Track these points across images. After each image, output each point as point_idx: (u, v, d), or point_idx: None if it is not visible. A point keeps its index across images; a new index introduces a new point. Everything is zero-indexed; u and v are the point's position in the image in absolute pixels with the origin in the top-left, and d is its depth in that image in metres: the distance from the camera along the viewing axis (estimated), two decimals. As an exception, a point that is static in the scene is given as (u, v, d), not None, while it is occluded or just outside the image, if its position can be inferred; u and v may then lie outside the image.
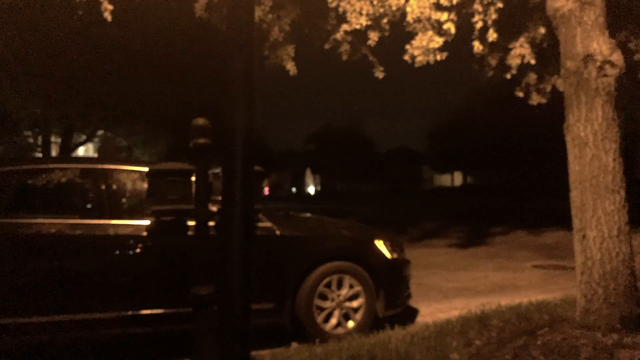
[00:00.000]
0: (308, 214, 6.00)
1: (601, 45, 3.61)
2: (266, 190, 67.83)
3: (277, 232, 4.15)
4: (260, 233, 4.02)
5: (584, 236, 3.54)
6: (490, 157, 35.09)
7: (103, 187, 3.89)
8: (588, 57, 3.60)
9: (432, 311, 5.25)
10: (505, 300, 5.26)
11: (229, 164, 1.76)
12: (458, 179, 52.28)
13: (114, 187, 3.95)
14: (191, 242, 2.77)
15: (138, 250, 3.72)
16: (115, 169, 4.03)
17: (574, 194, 3.62)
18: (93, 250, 3.70)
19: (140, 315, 3.71)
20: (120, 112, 14.38)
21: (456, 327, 3.95)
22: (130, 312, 3.68)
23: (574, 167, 3.61)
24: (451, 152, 40.83)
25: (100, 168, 4.00)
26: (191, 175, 2.74)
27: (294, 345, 3.98)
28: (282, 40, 6.19)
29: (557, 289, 6.06)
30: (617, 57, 3.62)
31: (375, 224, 6.04)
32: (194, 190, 2.79)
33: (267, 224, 4.14)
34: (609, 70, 3.58)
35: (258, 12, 5.86)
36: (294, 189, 70.81)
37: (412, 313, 5.18)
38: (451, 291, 6.11)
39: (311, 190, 69.68)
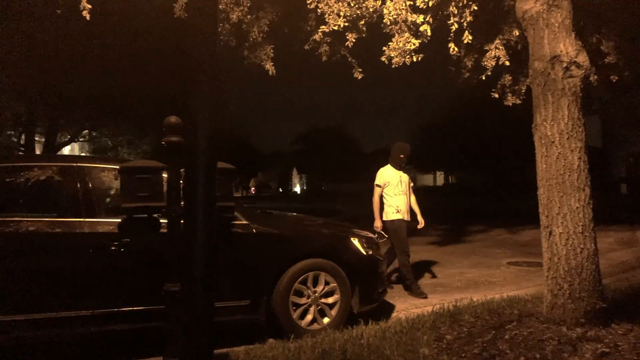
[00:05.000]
0: (286, 212, 6.04)
1: (567, 47, 3.72)
2: (253, 190, 67.84)
3: (254, 230, 4.18)
4: (236, 230, 4.07)
5: (550, 233, 3.64)
6: (471, 157, 35.50)
7: (79, 184, 3.89)
8: (555, 58, 3.71)
9: (407, 307, 5.33)
10: (479, 296, 5.37)
11: (192, 160, 1.80)
12: (440, 178, 52.76)
13: (90, 185, 3.95)
14: (164, 240, 2.80)
15: (113, 248, 3.73)
16: (92, 167, 4.03)
17: (541, 192, 3.73)
18: (69, 248, 3.70)
19: (117, 313, 3.73)
20: (105, 111, 14.28)
21: (428, 322, 4.03)
22: (106, 310, 3.70)
23: (541, 165, 3.72)
24: (433, 152, 41.18)
25: (76, 166, 3.99)
26: (162, 173, 2.77)
27: (270, 341, 4.02)
28: (261, 40, 6.23)
29: (530, 285, 6.19)
30: (583, 59, 3.73)
31: (359, 223, 6.12)
32: (165, 187, 2.82)
33: (244, 221, 4.18)
34: (575, 71, 3.69)
35: (237, 13, 5.91)
36: (280, 189, 70.82)
37: (388, 309, 5.26)
38: (427, 287, 6.19)
39: (297, 189, 69.73)
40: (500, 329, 3.67)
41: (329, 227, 4.93)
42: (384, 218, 6.10)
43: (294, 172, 69.48)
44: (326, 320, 4.34)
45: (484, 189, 33.63)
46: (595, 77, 7.45)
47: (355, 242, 4.61)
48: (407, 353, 3.34)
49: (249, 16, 5.97)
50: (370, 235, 5.00)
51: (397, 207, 6.03)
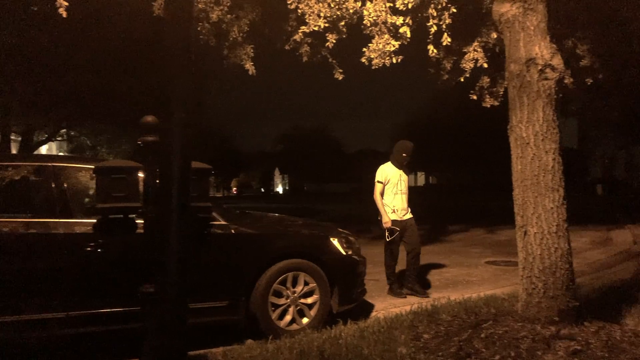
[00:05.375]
0: (265, 213, 6.03)
1: (542, 50, 3.78)
2: (234, 190, 67.55)
3: (232, 230, 4.17)
4: (214, 231, 4.05)
5: (525, 233, 3.70)
6: (451, 158, 35.88)
7: (54, 185, 3.84)
8: (530, 61, 3.76)
9: (386, 306, 5.36)
10: (458, 295, 5.43)
11: (165, 160, 1.78)
12: (421, 179, 53.23)
13: (66, 185, 3.89)
14: (140, 240, 2.77)
15: (88, 249, 3.68)
16: (67, 167, 3.97)
17: (516, 192, 3.78)
18: (44, 249, 3.64)
19: (92, 315, 3.68)
20: (83, 110, 14.05)
21: (406, 322, 4.06)
22: (81, 312, 3.64)
23: (517, 166, 3.77)
24: (414, 153, 41.46)
25: (51, 166, 3.93)
26: (138, 173, 2.74)
27: (249, 342, 4.01)
28: (241, 40, 6.21)
29: (507, 284, 6.28)
30: (558, 61, 3.79)
31: (340, 223, 6.15)
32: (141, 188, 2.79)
33: (222, 222, 4.17)
34: (549, 73, 3.75)
35: (217, 12, 5.87)
36: (262, 189, 70.65)
37: (367, 308, 5.29)
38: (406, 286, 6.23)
39: (280, 189, 69.63)
40: (477, 327, 3.71)
41: (309, 227, 4.95)
42: (380, 217, 6.05)
43: (276, 172, 69.33)
44: (305, 320, 4.35)
45: (464, 189, 34.07)
46: (571, 79, 7.59)
47: (335, 242, 4.63)
48: (384, 352, 3.36)
49: (229, 15, 5.94)
50: (350, 235, 5.02)
51: (394, 207, 5.97)
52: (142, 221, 2.76)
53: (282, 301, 4.26)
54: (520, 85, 3.78)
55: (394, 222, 5.95)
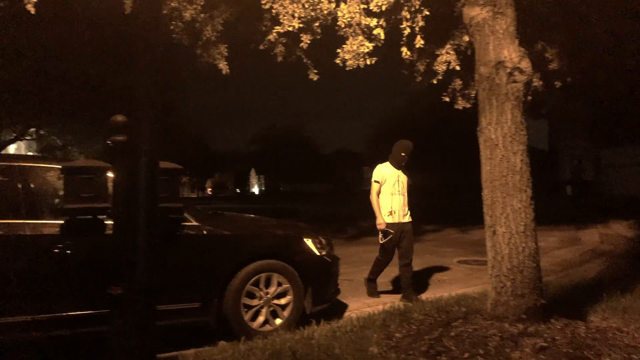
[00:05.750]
0: (238, 213, 6.01)
1: (511, 53, 3.85)
2: (209, 191, 67.00)
3: (204, 231, 4.14)
4: (186, 232, 4.01)
5: (494, 232, 3.77)
6: (426, 159, 36.30)
7: (20, 185, 3.75)
8: (499, 64, 3.83)
9: (360, 306, 5.39)
10: (430, 295, 5.51)
11: (133, 160, 1.76)
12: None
13: (33, 185, 3.81)
14: (108, 242, 2.73)
15: (56, 250, 3.60)
16: (34, 167, 3.89)
17: (485, 193, 3.85)
18: (10, 251, 3.55)
19: (60, 318, 3.60)
20: (52, 109, 13.73)
21: (378, 321, 4.10)
22: (49, 315, 3.57)
23: (486, 167, 3.84)
24: (390, 154, 41.84)
25: (17, 166, 3.84)
26: (106, 173, 2.70)
27: (221, 343, 3.98)
28: (215, 39, 6.17)
29: (478, 283, 6.38)
30: (526, 65, 3.87)
31: (315, 223, 6.14)
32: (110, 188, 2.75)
33: (194, 222, 4.13)
34: (518, 76, 3.82)
35: (190, 11, 5.82)
36: (238, 189, 70.25)
37: (341, 308, 5.31)
38: (380, 286, 6.28)
39: (255, 190, 69.33)
40: (447, 326, 3.76)
41: (282, 228, 4.94)
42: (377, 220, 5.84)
43: (252, 172, 69.01)
44: (278, 321, 4.35)
45: (439, 189, 34.53)
46: (540, 82, 7.77)
47: (309, 242, 4.63)
48: (356, 352, 3.38)
49: (202, 15, 5.90)
50: (324, 235, 5.03)
51: (392, 208, 5.77)
52: (112, 222, 2.74)
53: (255, 302, 4.25)
54: (489, 88, 3.85)
55: (390, 225, 5.76)
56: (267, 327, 4.27)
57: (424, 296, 5.34)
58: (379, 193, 5.86)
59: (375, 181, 5.89)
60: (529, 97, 8.01)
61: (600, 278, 6.44)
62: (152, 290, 1.84)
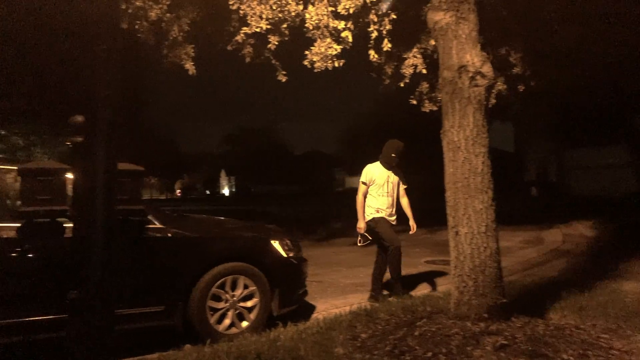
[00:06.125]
0: (205, 215, 5.95)
1: (474, 58, 3.94)
2: (178, 192, 66.05)
3: (169, 234, 4.09)
4: (150, 235, 3.95)
5: (456, 233, 3.84)
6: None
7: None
8: (462, 68, 3.91)
9: (328, 307, 5.41)
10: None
11: (89, 161, 1.73)
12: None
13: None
14: (66, 245, 2.67)
15: (13, 254, 3.49)
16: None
17: (448, 194, 3.92)
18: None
19: (17, 324, 3.50)
20: (12, 108, 13.30)
21: (345, 322, 4.12)
22: (6, 321, 3.46)
23: (449, 169, 3.91)
24: (361, 155, 42.14)
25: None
26: (65, 175, 2.64)
27: (186, 347, 3.93)
28: (181, 39, 6.10)
29: (444, 282, 6.49)
30: (487, 69, 3.96)
31: (286, 225, 6.12)
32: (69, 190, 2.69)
33: (159, 225, 4.07)
34: (480, 80, 3.91)
35: (155, 11, 5.74)
36: (207, 191, 69.50)
37: (309, 310, 5.31)
38: (348, 287, 6.33)
39: (226, 191, 68.71)
40: (412, 326, 3.81)
41: (249, 230, 4.92)
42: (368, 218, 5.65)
43: (222, 174, 68.38)
44: (245, 324, 4.32)
45: (408, 191, 34.88)
46: (505, 86, 7.95)
47: (276, 244, 4.62)
48: (321, 353, 3.40)
49: (168, 14, 5.82)
50: (292, 237, 5.03)
51: (378, 208, 5.61)
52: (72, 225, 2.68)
53: (221, 305, 4.21)
54: (452, 92, 3.92)
55: (378, 218, 5.56)
56: (234, 330, 4.24)
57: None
58: (365, 194, 5.69)
59: (363, 182, 5.72)
60: (494, 101, 8.24)
61: (561, 277, 6.63)
62: (110, 295, 1.80)
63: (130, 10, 5.74)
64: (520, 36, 7.68)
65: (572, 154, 29.09)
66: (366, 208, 5.66)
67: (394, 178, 5.79)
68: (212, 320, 4.16)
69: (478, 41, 4.03)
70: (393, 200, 5.73)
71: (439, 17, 4.04)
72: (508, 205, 20.19)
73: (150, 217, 3.95)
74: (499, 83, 7.83)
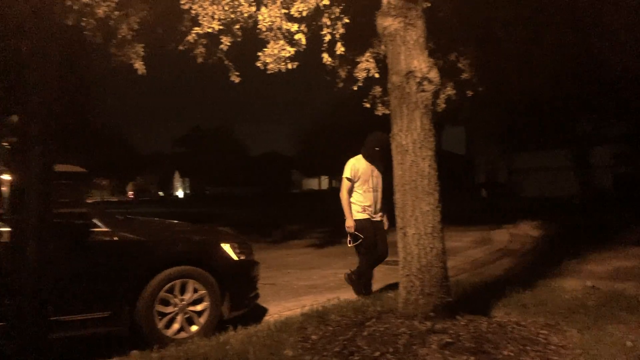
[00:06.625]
0: (154, 218, 5.83)
1: (421, 63, 4.04)
2: (131, 194, 64.21)
3: (115, 237, 3.98)
4: (95, 238, 3.84)
5: (404, 234, 3.94)
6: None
7: None
8: (410, 74, 4.01)
9: (280, 310, 5.41)
10: (350, 295, 5.61)
11: (23, 163, 1.67)
12: (325, 182, 54.43)
13: None
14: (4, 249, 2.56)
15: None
16: None
17: (397, 196, 4.01)
18: None
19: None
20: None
21: (296, 324, 4.14)
22: None
23: (397, 171, 4.00)
24: (318, 157, 42.34)
25: None
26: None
27: (133, 353, 3.85)
28: (130, 38, 5.94)
29: (396, 282, 6.60)
30: (434, 75, 4.07)
31: (240, 227, 6.06)
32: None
33: (104, 228, 3.96)
34: (427, 86, 4.02)
35: (103, 8, 5.57)
36: (161, 193, 67.99)
37: (261, 313, 5.30)
38: (302, 289, 6.35)
39: (180, 193, 67.42)
40: (361, 326, 3.87)
41: (199, 232, 4.86)
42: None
43: (177, 175, 67.05)
44: (195, 328, 4.27)
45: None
46: (454, 91, 8.18)
47: (227, 247, 4.58)
48: (270, 356, 3.40)
49: (116, 12, 5.66)
50: (243, 239, 5.00)
51: (364, 206, 5.36)
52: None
53: (169, 309, 4.14)
54: (401, 96, 4.02)
55: (364, 221, 5.35)
56: (183, 335, 4.18)
57: (343, 297, 5.43)
58: (350, 191, 5.40)
59: (347, 178, 5.39)
60: (444, 105, 8.45)
61: (506, 275, 6.88)
62: (44, 301, 1.74)
63: (76, 7, 5.55)
64: (469, 43, 7.93)
65: (519, 157, 30.25)
66: (352, 206, 5.39)
67: (378, 173, 5.50)
68: (161, 325, 4.08)
69: (426, 47, 4.14)
70: (378, 195, 5.47)
71: (387, 23, 4.13)
72: (459, 206, 20.80)
73: (95, 220, 3.84)
74: (448, 88, 8.05)
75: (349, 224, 5.34)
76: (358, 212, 5.39)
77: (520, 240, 11.14)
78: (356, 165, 5.43)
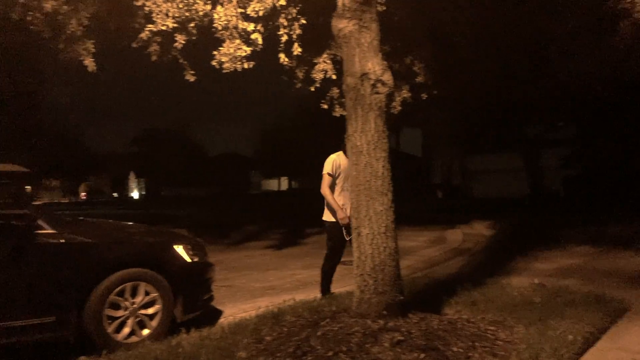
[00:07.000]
0: (104, 220, 5.67)
1: (375, 66, 4.09)
2: (83, 195, 62.07)
3: (62, 240, 3.84)
4: (40, 240, 3.70)
5: (359, 234, 3.98)
6: (311, 163, 37.17)
7: None
8: (364, 76, 4.06)
9: (236, 311, 5.35)
10: (306, 296, 5.62)
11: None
12: (284, 183, 54.32)
13: None
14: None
15: None
16: None
17: (352, 196, 4.05)
18: None
19: None
20: None
21: (250, 326, 4.11)
22: None
23: (352, 172, 4.04)
24: (277, 158, 42.23)
25: None
26: None
27: (81, 359, 3.73)
28: (80, 34, 5.76)
29: (353, 282, 6.66)
30: (388, 77, 4.13)
31: (196, 229, 5.95)
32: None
33: (50, 230, 3.82)
34: (380, 88, 4.07)
35: (51, 2, 5.38)
36: (115, 194, 66.15)
37: (216, 315, 5.23)
38: (258, 291, 6.31)
39: (135, 194, 65.75)
40: (316, 326, 3.89)
41: (151, 234, 4.76)
42: (324, 217, 5.33)
43: (132, 176, 65.35)
44: (146, 331, 4.17)
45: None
46: (409, 94, 8.35)
47: (179, 249, 4.50)
48: (223, 358, 3.37)
49: (65, 7, 5.48)
50: (197, 241, 4.93)
51: (342, 205, 5.17)
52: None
53: (119, 313, 4.03)
54: (355, 98, 4.06)
55: (335, 223, 5.24)
56: (134, 339, 4.07)
57: (299, 297, 5.43)
58: (332, 187, 5.24)
59: (329, 174, 5.22)
60: (400, 107, 8.58)
61: (458, 274, 7.06)
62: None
63: (22, 0, 5.34)
64: (424, 47, 8.10)
65: (473, 159, 31.10)
66: (326, 205, 5.25)
67: None
68: (110, 329, 3.97)
69: (380, 50, 4.20)
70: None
71: (342, 25, 4.17)
72: (415, 206, 21.20)
73: (40, 222, 3.69)
74: (404, 91, 8.21)
75: (341, 215, 5.14)
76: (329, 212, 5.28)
77: (473, 240, 11.45)
78: (337, 160, 5.29)
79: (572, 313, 4.49)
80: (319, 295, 5.56)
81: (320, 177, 5.30)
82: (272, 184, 57.78)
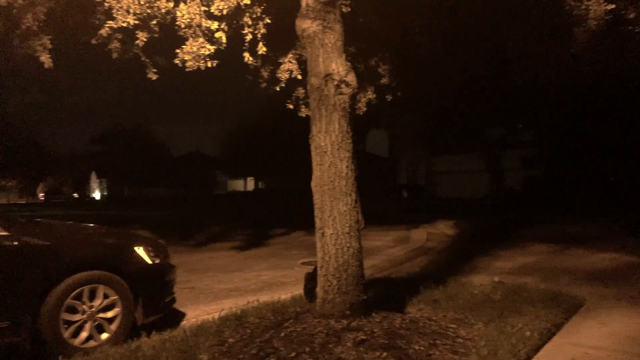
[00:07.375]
0: (61, 221, 5.49)
1: (339, 67, 4.11)
2: (41, 196, 60.03)
3: (15, 242, 3.71)
4: (-9, 244, 3.55)
5: (322, 234, 3.99)
6: (278, 163, 37.05)
7: None
8: (328, 76, 4.07)
9: (199, 314, 5.27)
10: (270, 297, 5.59)
11: None
12: (251, 184, 53.92)
13: None
14: None
15: None
16: None
17: (316, 197, 4.05)
18: None
19: None
20: None
21: (213, 328, 4.06)
22: None
23: (316, 172, 4.04)
24: (244, 158, 41.90)
25: None
26: None
27: (36, 366, 3.61)
28: (36, 29, 5.56)
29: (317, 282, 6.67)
30: (352, 78, 4.16)
31: (161, 230, 5.82)
32: None
33: (3, 232, 3.68)
34: (344, 89, 4.10)
35: (5, -6, 5.18)
36: (76, 194, 64.29)
37: (178, 317, 5.14)
38: (222, 292, 6.24)
39: (97, 195, 64.08)
40: (279, 327, 3.87)
41: (111, 235, 4.64)
42: None
43: (93, 176, 63.65)
44: (105, 335, 4.05)
45: (291, 193, 35.48)
46: (374, 95, 8.41)
47: (140, 250, 4.40)
48: (184, 361, 3.31)
49: (20, 0, 5.28)
50: (159, 242, 4.83)
51: None
52: None
53: (77, 317, 3.91)
54: (319, 98, 4.07)
55: None
56: (92, 343, 3.95)
57: (263, 299, 5.39)
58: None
59: None
60: (365, 109, 8.62)
61: (421, 273, 7.17)
62: None
63: (-27, -8, 5.12)
64: (388, 49, 8.17)
65: (438, 160, 31.71)
66: None
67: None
68: (67, 334, 3.84)
69: (344, 51, 4.22)
70: None
71: (306, 25, 4.17)
72: (381, 206, 21.42)
73: (-9, 224, 3.55)
74: (369, 92, 8.26)
75: None
76: None
77: (437, 239, 11.65)
78: None
79: (529, 310, 4.63)
80: (283, 296, 5.53)
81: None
82: (238, 185, 57.28)
